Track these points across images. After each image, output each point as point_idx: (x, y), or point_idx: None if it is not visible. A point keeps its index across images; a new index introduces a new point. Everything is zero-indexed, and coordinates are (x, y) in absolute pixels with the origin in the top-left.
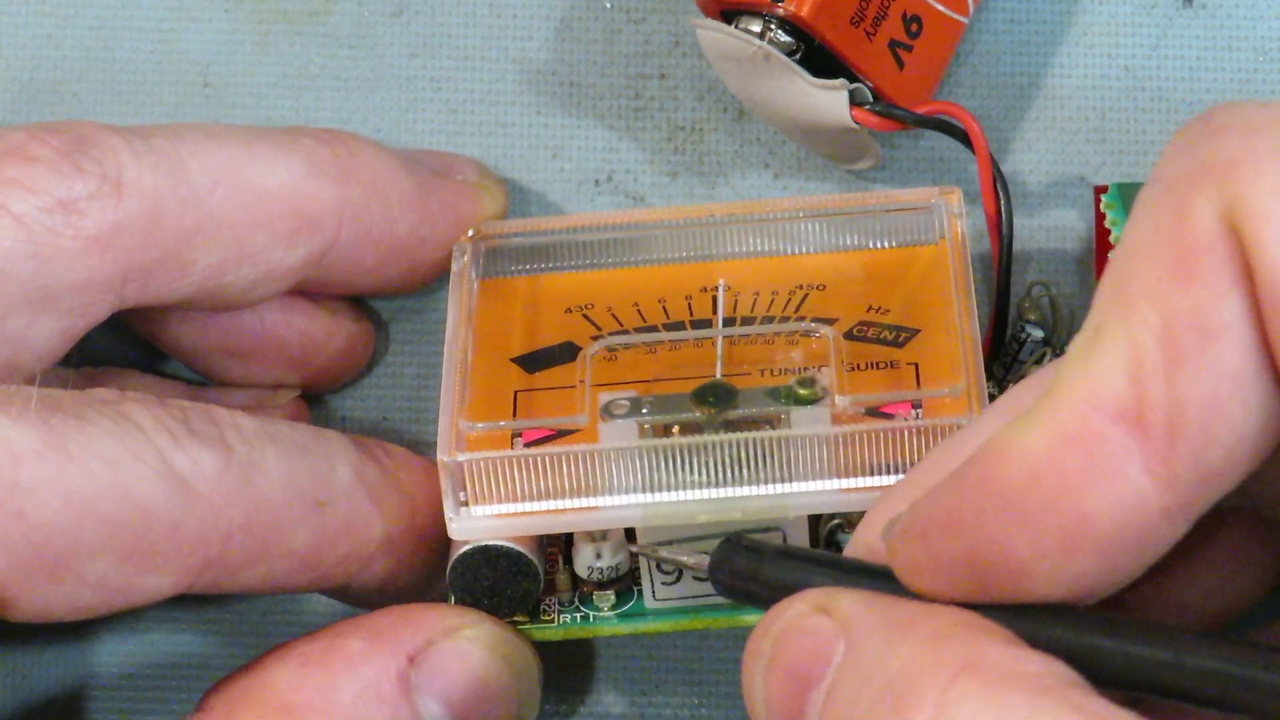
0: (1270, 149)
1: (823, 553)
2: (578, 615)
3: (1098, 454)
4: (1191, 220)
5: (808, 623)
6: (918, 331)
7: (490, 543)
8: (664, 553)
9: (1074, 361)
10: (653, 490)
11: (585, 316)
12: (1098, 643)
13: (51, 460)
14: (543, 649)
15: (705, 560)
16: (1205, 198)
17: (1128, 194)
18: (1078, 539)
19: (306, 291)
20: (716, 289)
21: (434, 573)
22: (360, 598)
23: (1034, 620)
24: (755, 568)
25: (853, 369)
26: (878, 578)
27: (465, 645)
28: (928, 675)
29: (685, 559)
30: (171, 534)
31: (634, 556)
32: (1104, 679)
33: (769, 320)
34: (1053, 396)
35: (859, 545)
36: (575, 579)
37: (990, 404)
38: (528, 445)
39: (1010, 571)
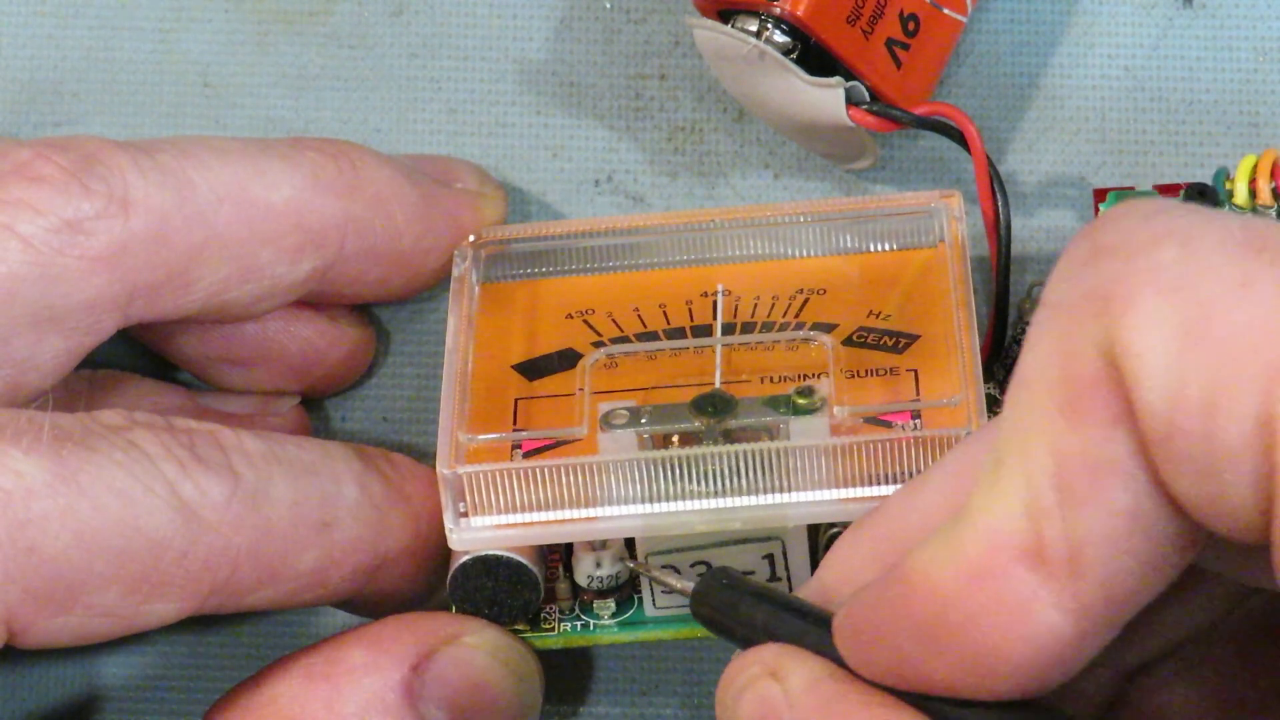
0: (1146, 278)
1: (797, 600)
2: (578, 623)
3: (1003, 592)
4: (1075, 356)
5: (760, 688)
6: (917, 337)
7: (490, 553)
8: (656, 573)
9: (979, 494)
10: (652, 501)
11: (585, 322)
12: None
13: (63, 494)
14: (543, 656)
15: (691, 586)
16: (1085, 332)
17: None
18: (991, 668)
19: (309, 301)
20: (716, 294)
21: (437, 581)
22: (365, 608)
23: (975, 713)
24: (732, 606)
25: (852, 375)
26: None
27: (467, 652)
28: None
29: (675, 583)
30: (179, 563)
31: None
32: None
33: (769, 325)
34: (959, 528)
35: (815, 587)
36: (575, 588)
37: (945, 458)
38: (527, 455)
39: (934, 685)
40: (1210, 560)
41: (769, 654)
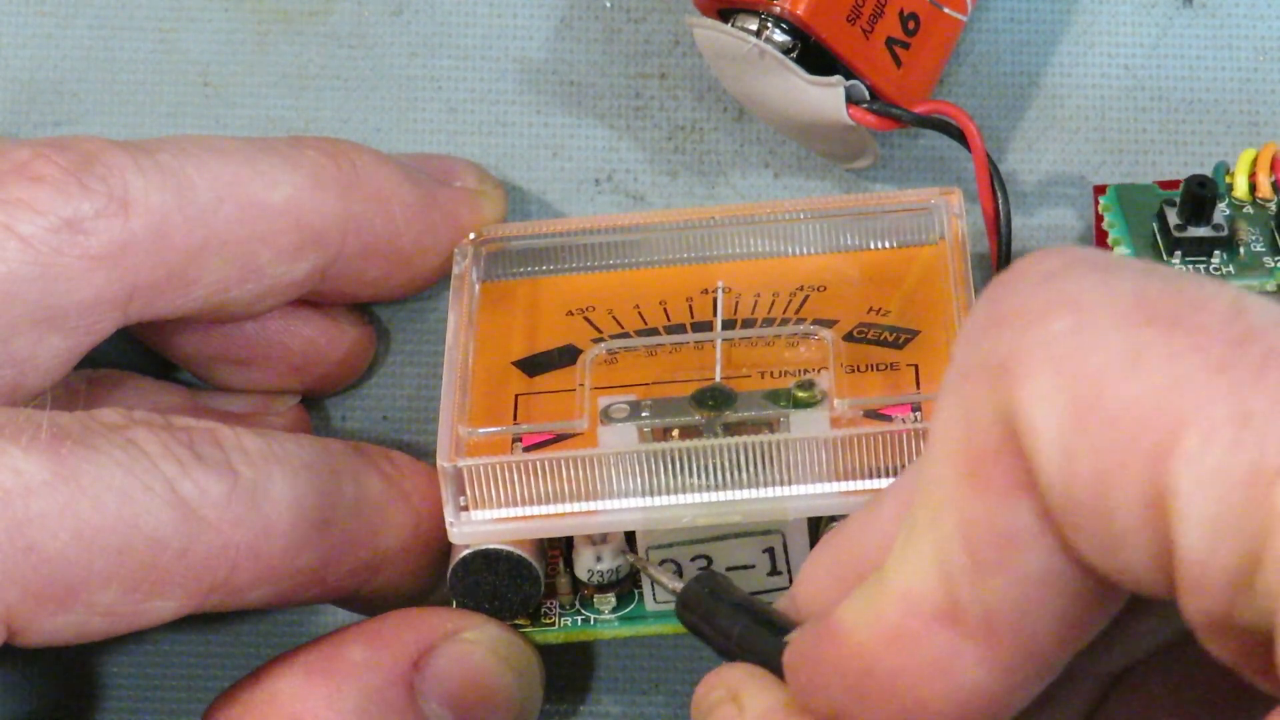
0: (1038, 351)
1: (774, 615)
2: (578, 618)
3: (922, 652)
4: (976, 424)
5: (722, 713)
6: (918, 333)
7: (491, 547)
8: (652, 570)
9: (894, 555)
10: (652, 494)
11: (586, 319)
12: None
13: (62, 492)
14: (544, 651)
15: (680, 587)
16: (985, 401)
17: (1126, 196)
18: None
19: (309, 300)
20: (716, 291)
21: (436, 579)
22: (364, 605)
23: None
24: (713, 615)
25: (852, 370)
26: None
27: (467, 648)
28: None
29: (667, 582)
30: (179, 561)
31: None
32: None
33: (769, 322)
34: (877, 591)
35: (787, 604)
36: (576, 582)
37: (901, 477)
38: (527, 449)
39: None
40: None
41: (733, 678)
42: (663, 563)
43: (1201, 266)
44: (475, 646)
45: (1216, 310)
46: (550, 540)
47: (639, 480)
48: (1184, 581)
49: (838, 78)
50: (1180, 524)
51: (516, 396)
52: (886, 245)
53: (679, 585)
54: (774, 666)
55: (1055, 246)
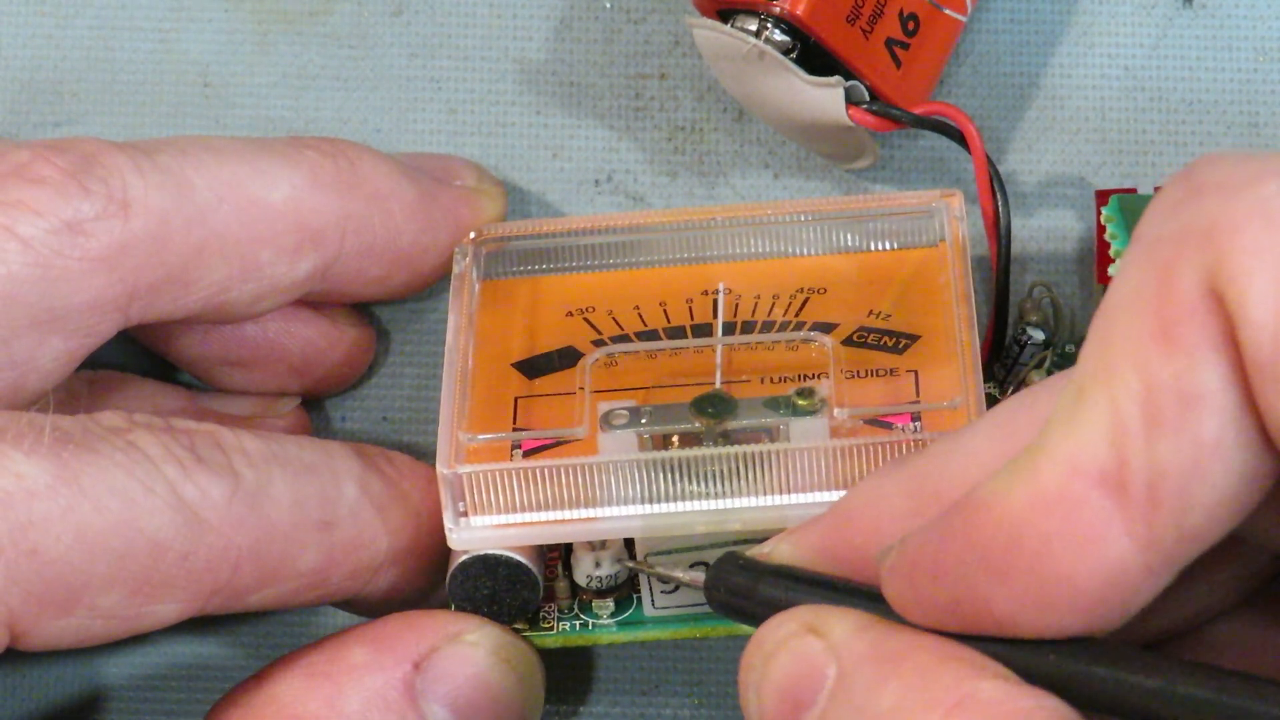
0: (1249, 210)
1: (818, 574)
2: (577, 623)
3: (1078, 518)
4: (1173, 285)
5: (798, 644)
6: (918, 338)
7: (490, 552)
8: (660, 569)
9: (1058, 422)
10: (652, 501)
11: (586, 320)
12: (1089, 672)
13: (64, 495)
14: (543, 656)
15: (701, 577)
16: (1187, 262)
17: (1128, 206)
18: (1058, 598)
19: (309, 300)
20: (717, 292)
21: (437, 580)
22: (365, 607)
23: (1025, 652)
24: (751, 586)
25: (852, 376)
26: (871, 600)
27: (468, 650)
28: (919, 713)
29: (681, 575)
30: (180, 564)
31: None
32: (1098, 708)
33: (770, 325)
34: (1035, 456)
35: (838, 512)
36: (575, 587)
37: (994, 411)
38: (527, 455)
39: (994, 621)
40: (1263, 526)
41: (805, 612)
42: (665, 564)
43: None
44: (477, 649)
45: None
46: (549, 545)
47: (638, 488)
48: None
49: (837, 78)
50: None
51: (516, 399)
52: (886, 247)
53: (698, 576)
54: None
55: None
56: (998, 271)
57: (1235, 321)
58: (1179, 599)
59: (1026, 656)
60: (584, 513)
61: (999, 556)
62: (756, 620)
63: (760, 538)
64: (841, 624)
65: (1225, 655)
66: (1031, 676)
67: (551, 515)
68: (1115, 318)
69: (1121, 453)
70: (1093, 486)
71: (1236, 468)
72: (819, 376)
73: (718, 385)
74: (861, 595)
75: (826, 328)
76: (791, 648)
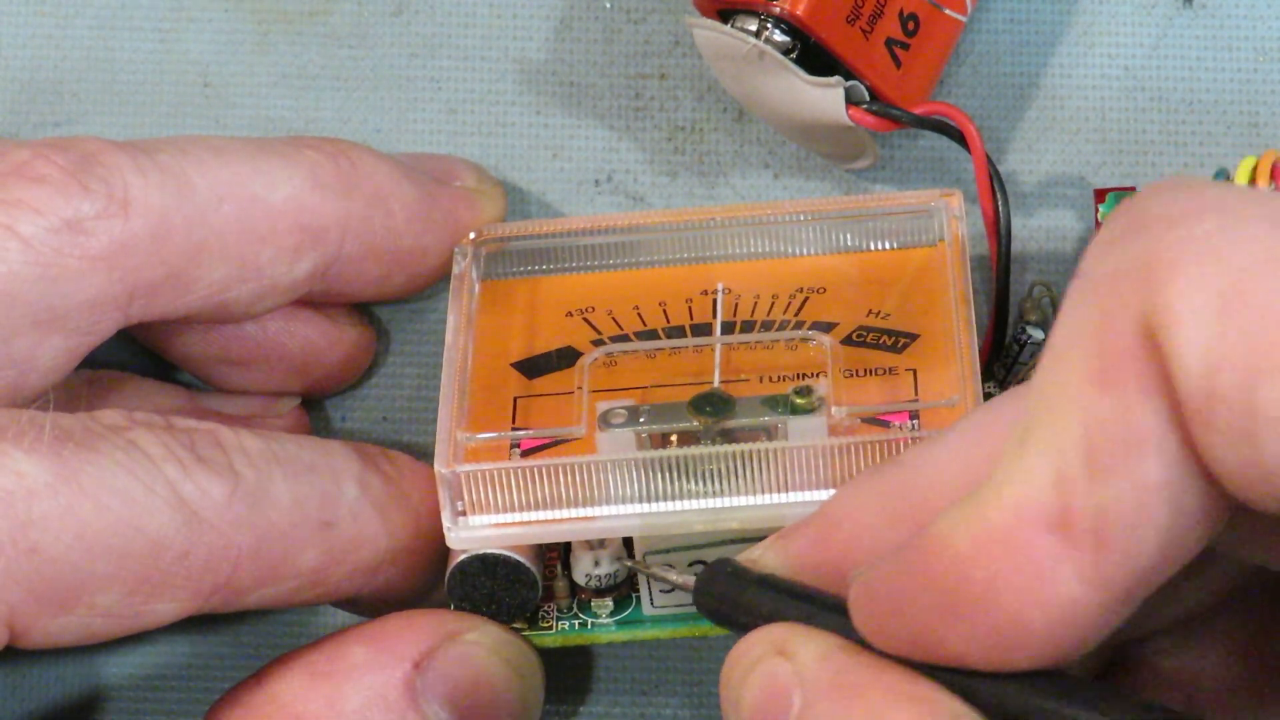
0: (1184, 250)
1: (800, 586)
2: (576, 622)
3: (1026, 561)
4: (1111, 326)
5: (767, 667)
6: (917, 337)
7: (489, 551)
8: (656, 570)
9: (1005, 463)
10: (650, 500)
11: (585, 320)
12: (1049, 708)
13: (64, 494)
14: (542, 654)
15: (693, 580)
16: (1123, 303)
17: None
18: (1009, 637)
19: (309, 300)
20: (716, 292)
21: (437, 579)
22: (365, 606)
23: (987, 684)
24: (736, 595)
25: (850, 375)
26: (848, 616)
27: (468, 649)
28: None
29: (675, 578)
30: (180, 562)
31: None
32: None
33: (769, 324)
34: (983, 497)
35: (819, 519)
36: (574, 586)
37: (965, 418)
38: (525, 454)
39: (951, 656)
40: (1230, 543)
41: (776, 632)
42: (662, 565)
43: None
44: (477, 648)
45: None
46: (548, 545)
47: (637, 487)
48: None
49: (837, 78)
50: None
51: (515, 399)
52: (886, 247)
53: (689, 579)
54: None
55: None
56: (998, 271)
57: (1168, 365)
58: (1149, 610)
59: (989, 689)
60: (582, 512)
61: (951, 596)
62: (741, 629)
63: (758, 536)
64: (808, 649)
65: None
66: (994, 709)
67: (550, 514)
68: (1058, 357)
69: (1065, 496)
70: (1039, 529)
71: (1185, 508)
72: (817, 375)
73: (716, 384)
74: (841, 611)
75: (826, 327)
76: (761, 671)
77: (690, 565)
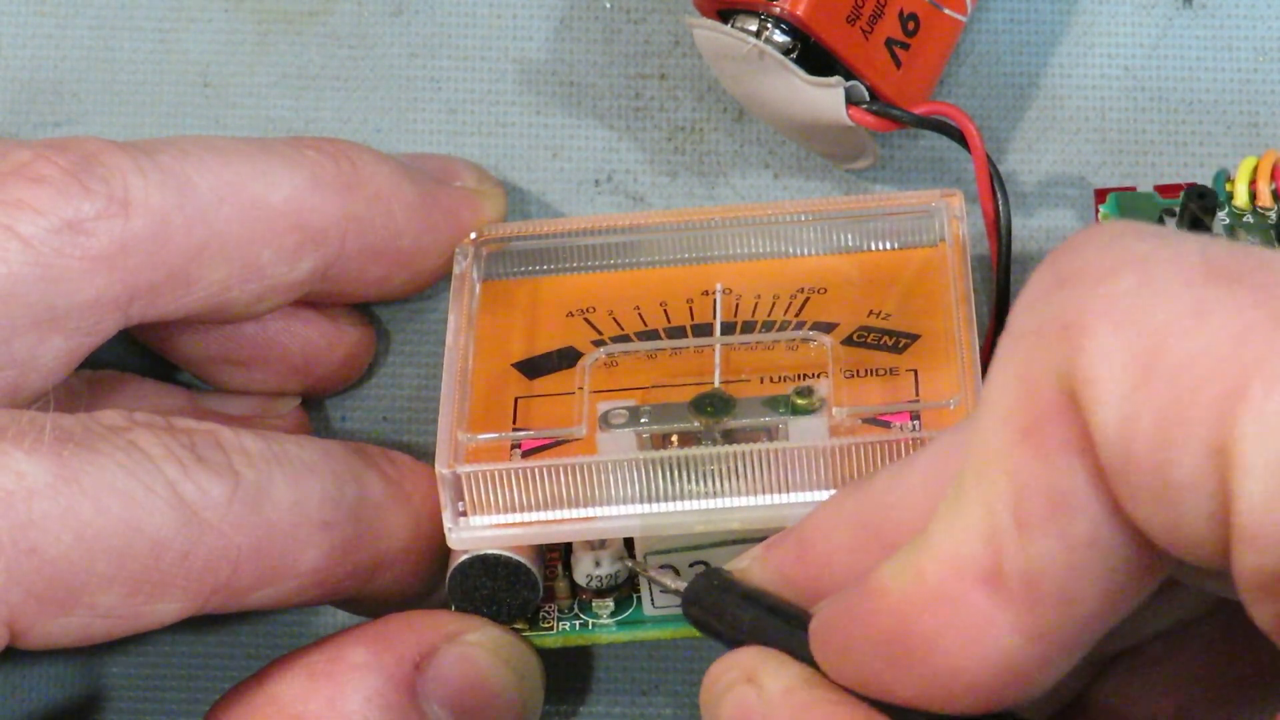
0: (1101, 309)
1: (781, 603)
2: (577, 623)
3: (962, 615)
4: (1034, 384)
5: (738, 695)
6: (918, 337)
7: (489, 552)
8: (653, 573)
9: (940, 517)
10: (651, 501)
11: (586, 320)
12: None
13: (64, 494)
14: (542, 656)
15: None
16: (1045, 362)
17: (1126, 204)
18: (951, 687)
19: (309, 300)
20: (715, 293)
21: (437, 580)
22: (365, 607)
23: None
24: (721, 608)
25: (851, 375)
26: None
27: (469, 650)
28: None
29: (669, 582)
30: (180, 563)
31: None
32: None
33: (770, 324)
34: (920, 550)
35: (794, 539)
36: (574, 587)
37: (933, 442)
38: (526, 455)
39: (900, 699)
40: (1183, 574)
41: (747, 658)
42: (661, 568)
43: None
44: (477, 649)
45: (1278, 267)
46: (549, 545)
47: (637, 487)
48: (1240, 535)
49: (837, 78)
50: (1241, 474)
51: (516, 400)
52: (887, 247)
53: (682, 584)
54: (789, 650)
55: (1113, 219)
56: (998, 271)
57: (1088, 426)
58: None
59: None
60: (583, 512)
61: (893, 646)
62: (722, 640)
63: (759, 537)
64: (776, 680)
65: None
66: None
67: (551, 515)
68: (988, 412)
69: (996, 552)
70: (973, 584)
71: (1118, 562)
72: (818, 376)
73: (717, 385)
74: None
75: (826, 327)
76: (732, 698)
77: (691, 566)
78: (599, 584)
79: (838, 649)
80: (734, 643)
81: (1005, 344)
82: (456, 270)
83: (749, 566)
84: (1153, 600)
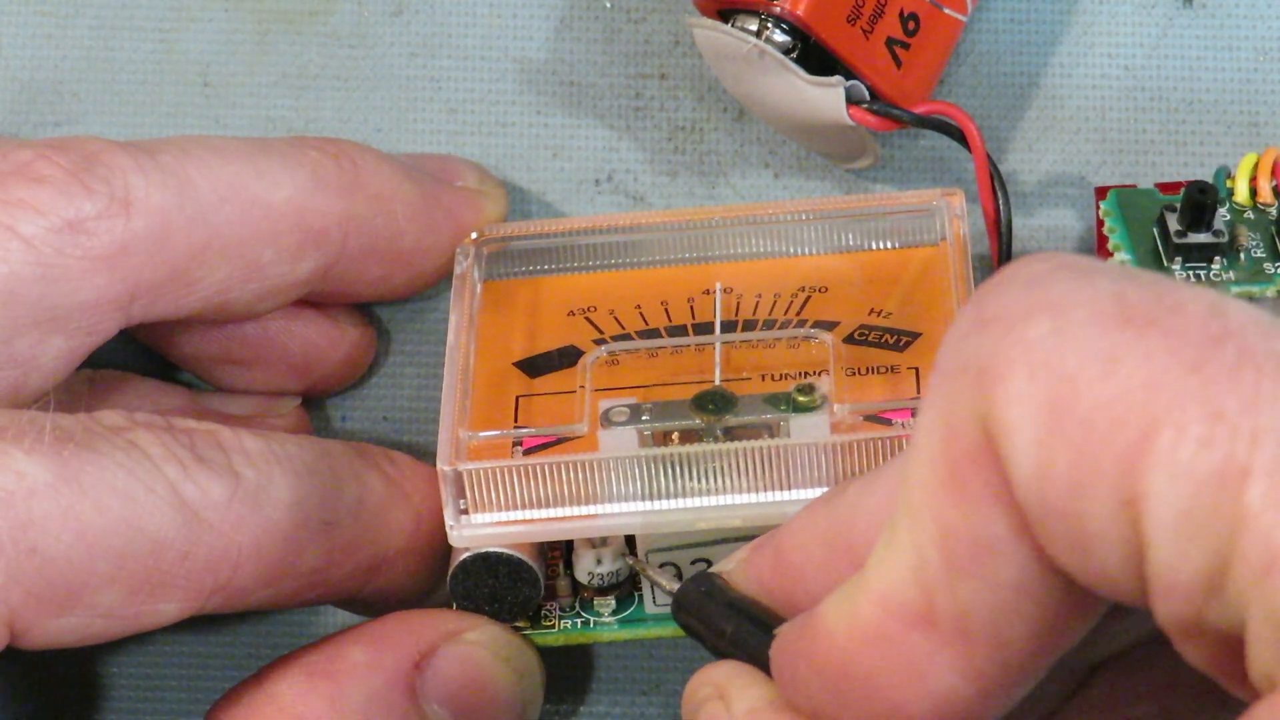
0: (1015, 355)
1: (767, 615)
2: (578, 621)
3: (899, 654)
4: (956, 429)
5: (709, 709)
6: (919, 335)
7: (491, 550)
8: (651, 572)
9: (874, 558)
10: (652, 498)
11: (587, 319)
12: None
13: (65, 494)
14: (543, 654)
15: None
16: (965, 406)
17: (1127, 201)
18: None
19: (310, 300)
20: (715, 292)
21: (437, 579)
22: (365, 606)
23: None
24: (707, 614)
25: (853, 373)
26: None
27: (469, 649)
28: None
29: (664, 583)
30: (181, 563)
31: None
32: None
33: (771, 323)
34: (857, 590)
35: (771, 547)
36: (576, 584)
37: (900, 456)
38: (528, 452)
39: None
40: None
41: (720, 674)
42: (663, 566)
43: (1202, 273)
44: (477, 648)
45: (1194, 312)
46: (551, 542)
47: (639, 484)
48: (1155, 585)
49: (838, 78)
50: (1151, 526)
51: (517, 398)
52: (887, 246)
53: (676, 586)
54: (765, 664)
55: (1042, 252)
56: (999, 270)
57: (1005, 469)
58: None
59: None
60: (585, 510)
61: (835, 683)
62: (706, 645)
63: (760, 534)
64: (742, 701)
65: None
66: None
67: (552, 512)
68: (916, 455)
69: (927, 595)
70: (907, 625)
71: (1050, 604)
72: (820, 373)
73: (717, 383)
74: None
75: (828, 326)
76: (704, 714)
77: (693, 563)
78: (600, 582)
79: (789, 680)
80: (717, 651)
81: (932, 382)
82: (457, 270)
83: (734, 570)
84: (1131, 610)
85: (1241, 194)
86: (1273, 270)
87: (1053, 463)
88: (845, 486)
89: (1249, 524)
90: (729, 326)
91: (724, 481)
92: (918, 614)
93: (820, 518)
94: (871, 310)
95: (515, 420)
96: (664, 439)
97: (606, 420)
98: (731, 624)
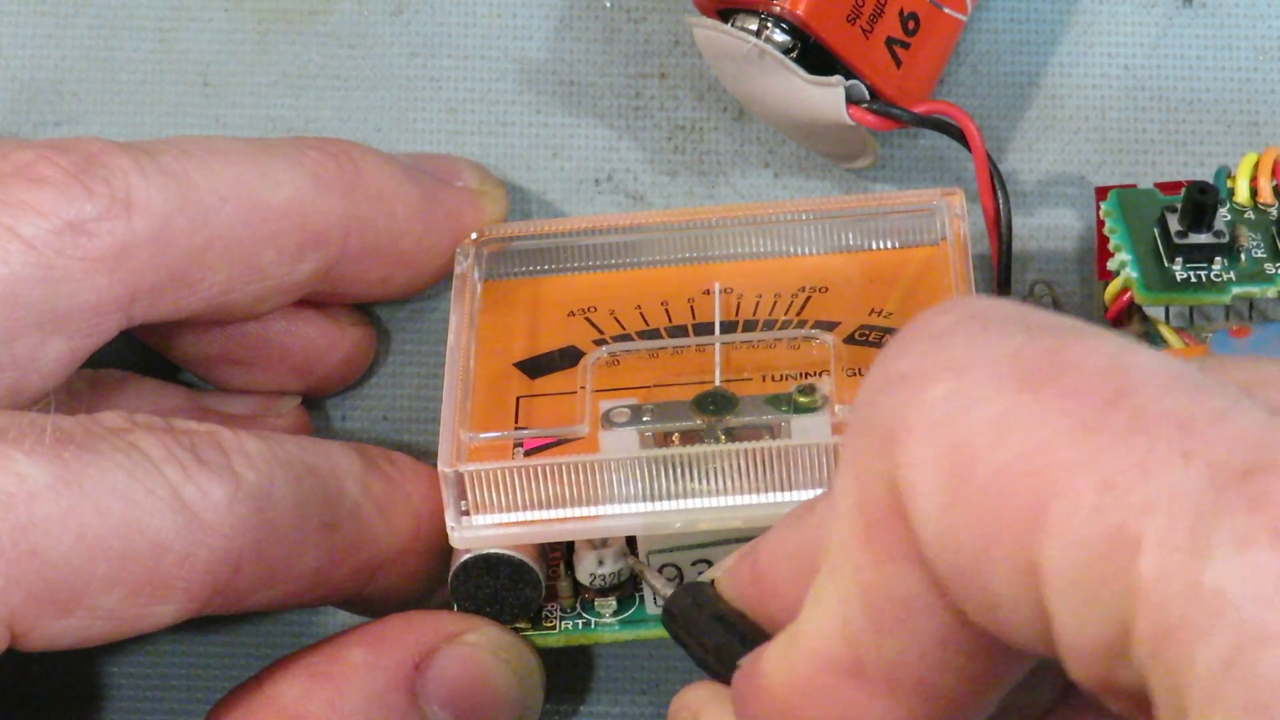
0: (915, 418)
1: (751, 630)
2: (579, 622)
3: (834, 705)
4: (868, 487)
5: None
6: None
7: (491, 551)
8: (649, 576)
9: (807, 607)
10: (653, 499)
11: (588, 320)
12: None
13: (65, 496)
14: (544, 655)
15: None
16: (874, 466)
17: (1127, 201)
18: None
19: (311, 300)
20: (715, 292)
21: (438, 580)
22: (365, 607)
23: None
24: (694, 625)
25: (854, 374)
26: None
27: (469, 650)
28: None
29: (660, 588)
30: (181, 565)
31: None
32: None
33: (771, 324)
34: (790, 643)
35: (749, 560)
36: (577, 586)
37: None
38: (528, 453)
39: None
40: None
41: (697, 698)
42: (664, 567)
43: (1203, 273)
44: (477, 649)
45: (1091, 368)
46: (551, 544)
47: (640, 485)
48: (1061, 649)
49: (838, 78)
50: (1050, 594)
51: (518, 399)
52: (888, 246)
53: (669, 592)
54: None
55: (953, 300)
56: (999, 269)
57: (913, 533)
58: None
59: None
60: (586, 511)
61: None
62: (692, 656)
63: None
64: None
65: None
66: None
67: (553, 513)
68: (836, 509)
69: (854, 649)
70: (839, 676)
71: (978, 654)
72: (821, 374)
73: (718, 383)
74: None
75: (828, 326)
76: None
77: (694, 564)
78: (601, 583)
79: (744, 717)
80: (701, 663)
81: (846, 438)
82: (458, 270)
83: (720, 578)
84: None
85: (1242, 194)
86: (1273, 270)
87: (954, 528)
88: (814, 503)
89: (1141, 596)
90: (729, 327)
91: (725, 482)
92: (848, 666)
93: (791, 533)
94: (872, 310)
95: (516, 421)
96: (665, 440)
97: (607, 421)
98: (715, 638)
